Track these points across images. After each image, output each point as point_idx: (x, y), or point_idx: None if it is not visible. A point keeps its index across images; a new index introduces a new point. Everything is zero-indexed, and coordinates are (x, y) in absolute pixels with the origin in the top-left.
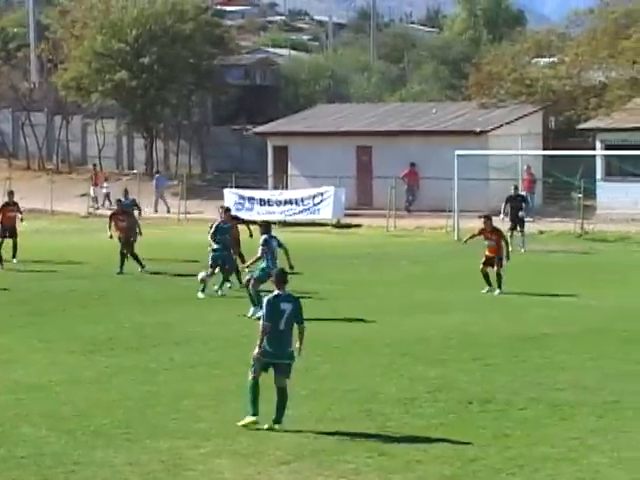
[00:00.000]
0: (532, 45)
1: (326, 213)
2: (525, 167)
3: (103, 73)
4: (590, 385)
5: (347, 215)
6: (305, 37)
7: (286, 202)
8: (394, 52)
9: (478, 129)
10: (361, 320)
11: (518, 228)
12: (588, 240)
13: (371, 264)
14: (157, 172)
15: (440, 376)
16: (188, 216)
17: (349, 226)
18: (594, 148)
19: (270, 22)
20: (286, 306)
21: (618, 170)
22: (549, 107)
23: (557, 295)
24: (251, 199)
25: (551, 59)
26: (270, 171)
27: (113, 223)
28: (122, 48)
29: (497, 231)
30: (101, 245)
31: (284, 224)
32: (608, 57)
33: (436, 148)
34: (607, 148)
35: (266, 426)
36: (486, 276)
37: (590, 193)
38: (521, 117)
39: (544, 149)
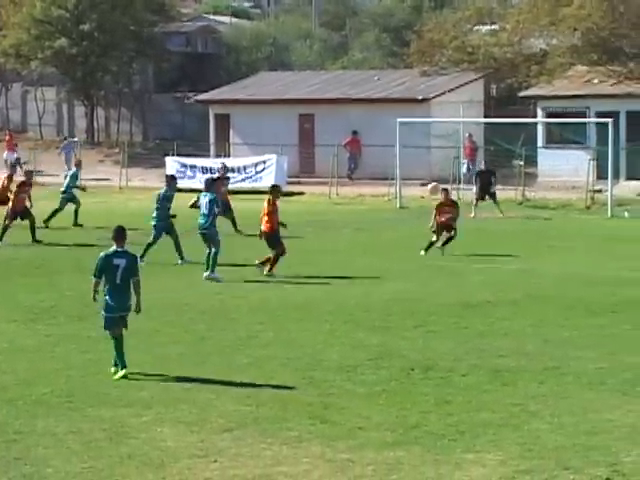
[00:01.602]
0: (473, 12)
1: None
2: (467, 135)
3: (43, 40)
4: (531, 351)
5: (289, 183)
6: (247, 4)
7: (228, 170)
8: (336, 19)
9: (420, 97)
10: (303, 287)
11: (487, 198)
12: (529, 207)
13: (313, 232)
14: (65, 138)
15: (382, 343)
16: (129, 184)
17: (291, 194)
18: (535, 116)
19: None
20: (119, 261)
21: (559, 138)
22: (490, 75)
23: (498, 262)
24: (193, 167)
25: (492, 26)
26: (212, 139)
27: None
28: (62, 15)
29: (454, 203)
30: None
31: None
32: (549, 24)
33: (378, 116)
34: (548, 116)
35: (112, 369)
36: (432, 244)
37: (531, 161)
38: (463, 85)
39: (485, 117)
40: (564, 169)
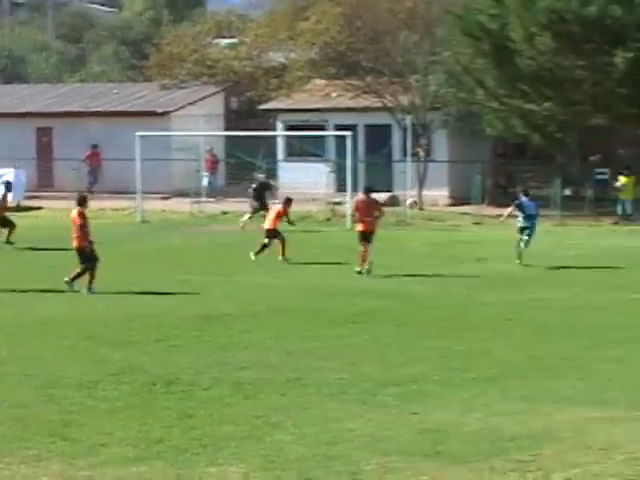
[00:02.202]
0: (213, 26)
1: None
2: (207, 148)
3: None
4: (273, 363)
5: (28, 197)
6: None
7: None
8: (73, 32)
9: (160, 110)
10: (42, 303)
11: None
12: None
13: (53, 247)
14: None
15: (124, 358)
16: None
17: (30, 209)
18: (275, 129)
19: None
20: None
21: (299, 150)
22: (230, 88)
23: (240, 275)
24: None
25: (232, 40)
26: None
27: None
28: None
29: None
30: None
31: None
32: (288, 38)
33: (118, 129)
34: (288, 129)
35: None
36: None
37: (272, 173)
38: (203, 98)
39: (226, 130)
40: (304, 181)
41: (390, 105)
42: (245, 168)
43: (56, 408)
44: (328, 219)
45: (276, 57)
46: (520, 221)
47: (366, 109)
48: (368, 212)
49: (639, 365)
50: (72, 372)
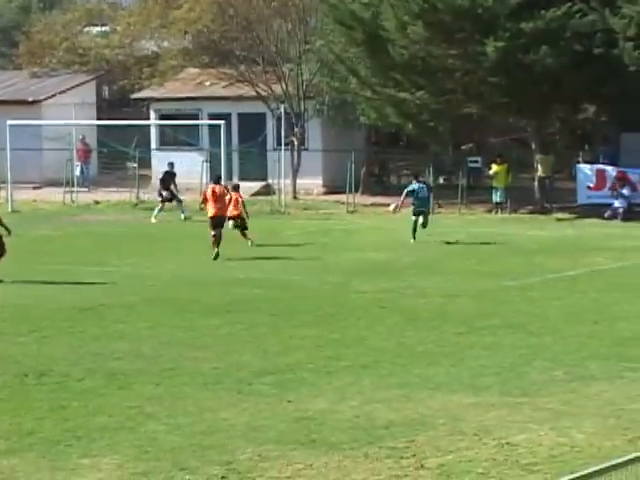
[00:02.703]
0: (83, 14)
1: None
2: (80, 137)
3: None
4: (147, 353)
5: None
6: None
7: None
8: None
9: (30, 98)
10: None
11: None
12: (143, 210)
13: None
14: None
15: None
16: None
17: None
18: (149, 118)
19: None
20: None
21: (173, 139)
22: (102, 76)
23: (113, 265)
24: None
25: (103, 28)
26: None
27: None
28: None
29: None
30: None
31: None
32: (160, 27)
33: None
34: (161, 118)
35: None
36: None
37: (146, 162)
38: (74, 86)
39: (98, 119)
40: (178, 171)
41: (264, 94)
42: (118, 157)
43: None
44: (202, 208)
45: (149, 45)
46: (415, 204)
47: (240, 98)
48: (219, 199)
49: (512, 351)
50: None
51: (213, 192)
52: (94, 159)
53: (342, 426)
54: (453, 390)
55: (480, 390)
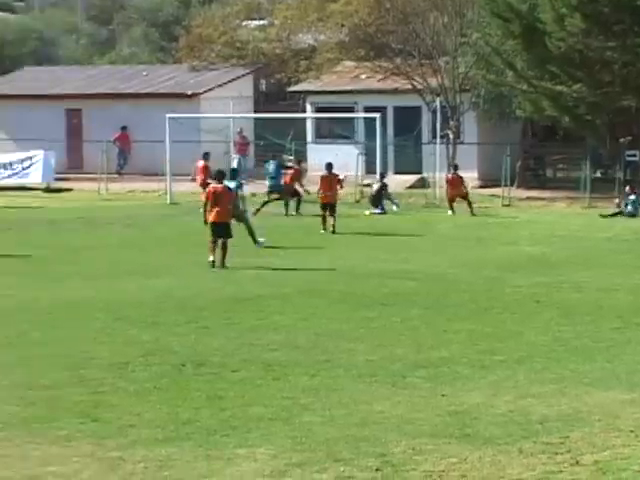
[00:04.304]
0: (242, 7)
1: (36, 177)
2: (237, 130)
3: None
4: (302, 345)
5: (57, 179)
6: None
7: None
8: (103, 14)
9: (189, 92)
10: (73, 285)
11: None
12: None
13: (83, 228)
14: None
15: (154, 340)
16: None
17: (59, 190)
18: (305, 111)
19: None
20: None
21: (328, 132)
22: (260, 70)
23: (269, 257)
24: None
25: (261, 22)
26: None
27: None
28: None
29: None
30: None
31: None
32: (317, 20)
33: (147, 111)
34: (317, 111)
35: None
36: None
37: (301, 155)
38: (232, 80)
39: (255, 112)
40: (334, 163)
41: (419, 87)
42: (275, 150)
43: (86, 389)
44: (357, 201)
45: (305, 39)
46: None
47: (395, 91)
48: (330, 186)
49: None
50: (102, 353)
51: (323, 179)
52: (251, 152)
53: (496, 420)
54: (609, 386)
55: (636, 387)
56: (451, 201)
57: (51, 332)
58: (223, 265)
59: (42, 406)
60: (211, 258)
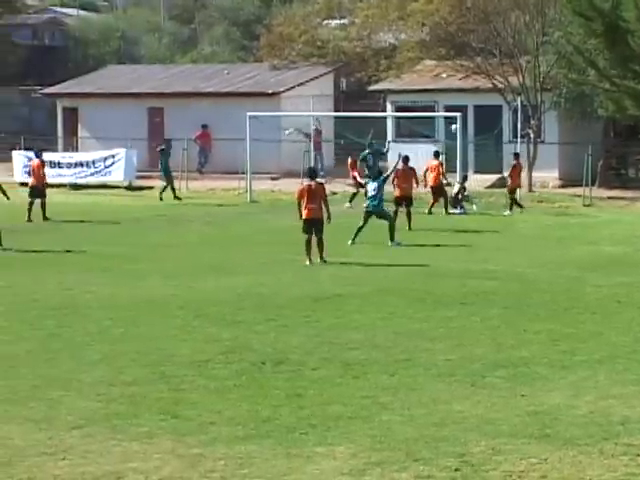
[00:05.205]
0: (323, 6)
1: (118, 175)
2: (313, 127)
3: None
4: (381, 343)
5: (139, 177)
6: None
7: (77, 164)
8: (185, 13)
9: (270, 90)
10: (153, 282)
11: None
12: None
13: (165, 226)
14: None
15: (233, 337)
16: None
17: (141, 188)
18: (385, 109)
19: None
20: None
21: (408, 131)
22: (340, 68)
23: (346, 256)
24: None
25: (342, 21)
26: (60, 133)
27: None
28: None
29: None
30: None
31: (75, 186)
32: (398, 19)
33: (228, 109)
34: (397, 109)
35: None
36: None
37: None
38: (313, 79)
39: (335, 110)
40: (413, 163)
41: (500, 86)
42: (354, 149)
43: (167, 386)
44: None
45: (386, 38)
46: None
47: (476, 90)
48: (406, 179)
49: None
50: (183, 350)
51: (399, 172)
52: (330, 150)
53: (577, 421)
54: None
55: None
56: (511, 193)
57: (132, 329)
58: (322, 259)
59: (123, 403)
60: (307, 263)
